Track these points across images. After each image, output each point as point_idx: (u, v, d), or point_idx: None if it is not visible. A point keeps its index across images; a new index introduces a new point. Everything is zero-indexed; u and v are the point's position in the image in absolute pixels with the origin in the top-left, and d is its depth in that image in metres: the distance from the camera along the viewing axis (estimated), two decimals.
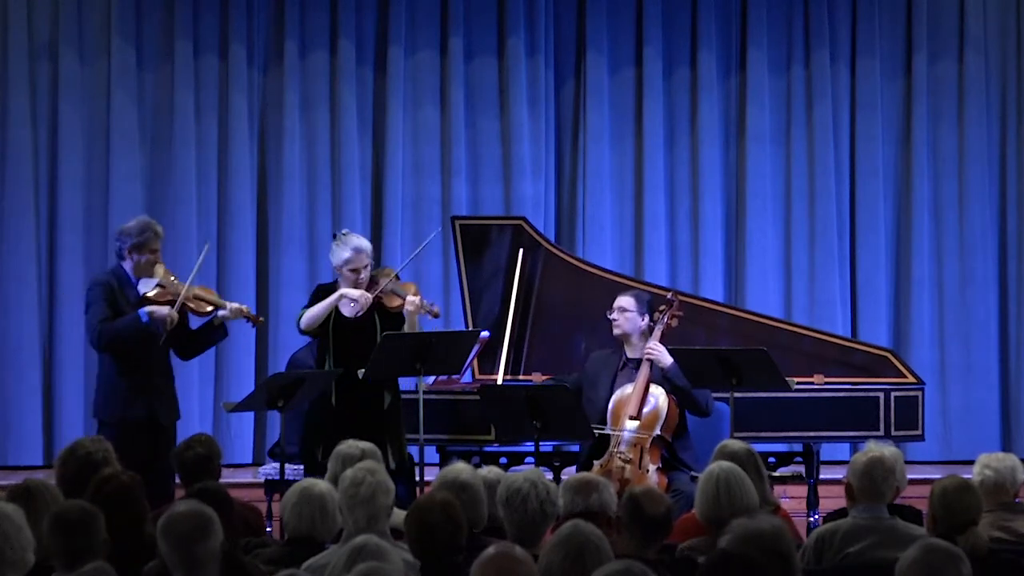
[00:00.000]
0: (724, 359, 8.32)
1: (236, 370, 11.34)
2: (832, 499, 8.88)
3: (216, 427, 11.19)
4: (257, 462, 11.05)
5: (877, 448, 6.01)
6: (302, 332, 8.50)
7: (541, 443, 8.30)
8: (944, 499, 5.62)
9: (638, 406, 8.47)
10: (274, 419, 9.93)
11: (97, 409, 8.19)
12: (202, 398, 11.18)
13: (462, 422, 8.81)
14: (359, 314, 8.35)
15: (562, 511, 5.48)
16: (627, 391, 8.53)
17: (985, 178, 11.90)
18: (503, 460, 8.80)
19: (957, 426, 11.79)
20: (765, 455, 7.07)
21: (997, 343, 11.90)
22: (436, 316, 8.46)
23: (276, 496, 8.43)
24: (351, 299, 8.36)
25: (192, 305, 8.16)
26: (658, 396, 8.50)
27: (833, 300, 11.83)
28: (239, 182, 11.45)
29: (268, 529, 7.73)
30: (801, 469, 9.08)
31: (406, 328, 8.36)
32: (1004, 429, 11.84)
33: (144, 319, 8.01)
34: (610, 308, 8.72)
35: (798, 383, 8.78)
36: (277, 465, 8.53)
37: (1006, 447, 11.34)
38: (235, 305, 8.30)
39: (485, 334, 9.14)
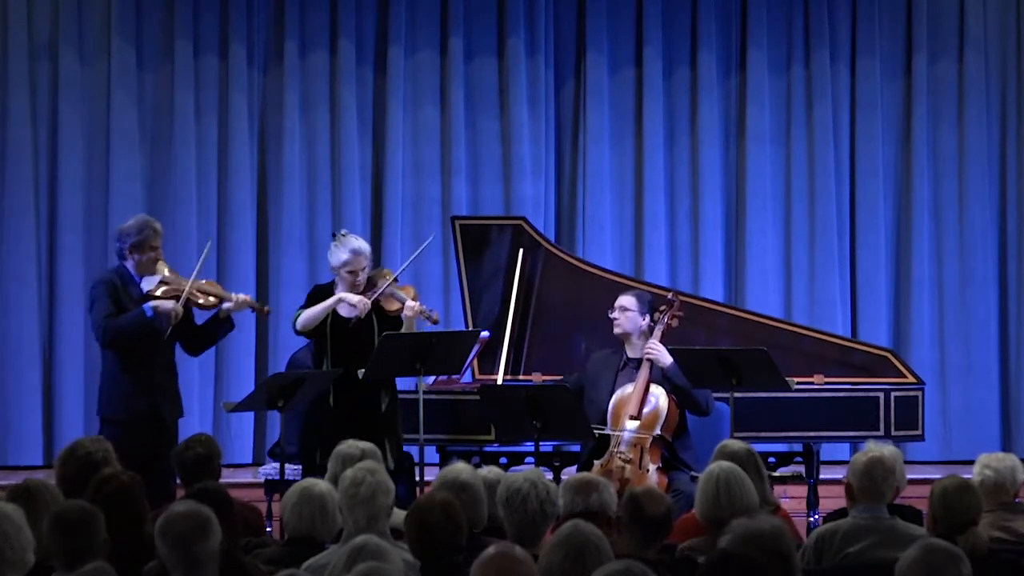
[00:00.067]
0: (724, 359, 8.32)
1: (236, 370, 11.33)
2: (832, 499, 8.87)
3: (216, 427, 11.18)
4: (257, 462, 11.04)
5: (877, 448, 6.00)
6: (298, 333, 8.49)
7: (541, 443, 8.29)
8: (944, 499, 5.62)
9: (638, 406, 8.46)
10: (274, 419, 9.93)
11: (100, 406, 8.20)
12: (202, 398, 11.17)
13: (462, 422, 8.80)
14: (359, 318, 8.34)
15: (562, 511, 5.48)
16: (627, 391, 8.53)
17: (985, 178, 11.89)
18: (503, 460, 8.79)
19: (957, 426, 11.79)
20: (765, 455, 7.06)
21: (997, 343, 11.89)
22: (435, 322, 8.44)
23: (276, 496, 8.42)
24: (350, 304, 8.34)
25: (197, 299, 8.16)
26: (658, 396, 8.49)
27: (833, 300, 11.82)
28: (239, 182, 11.45)
29: (268, 529, 7.73)
30: (801, 469, 9.08)
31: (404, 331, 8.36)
32: (1004, 429, 11.83)
33: (149, 314, 8.01)
34: (611, 307, 8.72)
35: (798, 383, 8.78)
36: (277, 465, 8.52)
37: (1006, 447, 11.32)
38: (241, 297, 8.30)
39: (485, 334, 9.13)
